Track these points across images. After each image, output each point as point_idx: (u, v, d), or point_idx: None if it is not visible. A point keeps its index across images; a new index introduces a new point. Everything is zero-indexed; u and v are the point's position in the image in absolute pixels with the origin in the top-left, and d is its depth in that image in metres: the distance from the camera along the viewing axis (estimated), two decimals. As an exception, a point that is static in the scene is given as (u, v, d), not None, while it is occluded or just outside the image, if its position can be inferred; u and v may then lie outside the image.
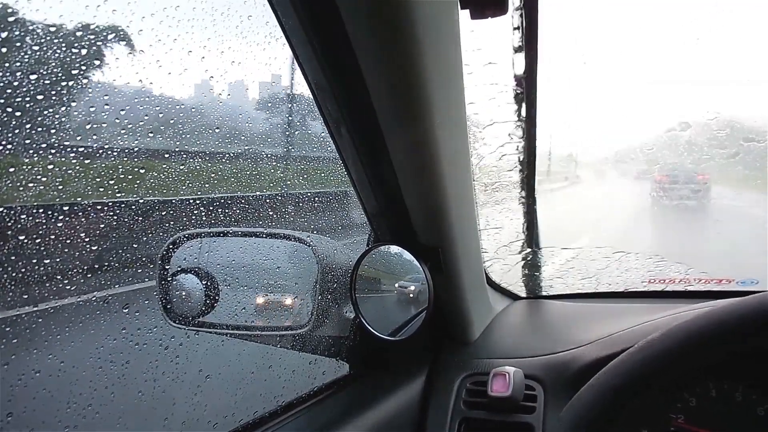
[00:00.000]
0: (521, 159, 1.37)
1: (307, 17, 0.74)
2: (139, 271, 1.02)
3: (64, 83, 0.78)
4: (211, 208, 1.11)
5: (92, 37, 0.75)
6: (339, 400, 1.10)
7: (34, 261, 0.77)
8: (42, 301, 0.80)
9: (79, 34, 0.74)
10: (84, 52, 0.78)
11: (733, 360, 0.81)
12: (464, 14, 0.77)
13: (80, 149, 0.80)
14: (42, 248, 0.78)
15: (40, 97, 0.77)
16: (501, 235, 1.50)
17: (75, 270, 0.84)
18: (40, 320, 0.79)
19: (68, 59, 0.78)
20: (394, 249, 1.09)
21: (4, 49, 0.73)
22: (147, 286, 1.02)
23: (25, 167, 0.74)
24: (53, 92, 0.77)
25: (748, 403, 0.93)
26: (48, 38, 0.74)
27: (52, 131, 0.77)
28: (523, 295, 1.54)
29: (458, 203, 1.02)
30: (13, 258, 0.76)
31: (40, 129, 0.76)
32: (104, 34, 0.78)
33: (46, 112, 0.76)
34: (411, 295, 1.10)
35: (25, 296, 0.78)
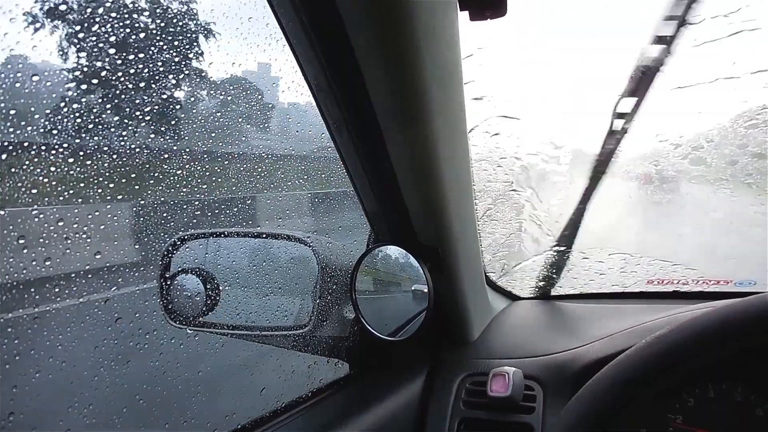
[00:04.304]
0: (521, 159, 1.37)
1: (307, 18, 0.75)
2: (141, 271, 1.02)
3: (64, 84, 0.78)
4: (211, 208, 1.12)
5: (93, 39, 0.75)
6: (339, 400, 1.11)
7: (35, 263, 0.77)
8: (43, 302, 0.81)
9: (80, 35, 0.74)
10: (83, 53, 0.78)
11: (731, 361, 0.81)
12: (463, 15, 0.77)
13: (80, 151, 0.81)
14: (43, 249, 0.78)
15: (40, 97, 0.78)
16: (500, 236, 1.51)
17: (76, 271, 0.84)
18: (42, 321, 0.79)
19: (68, 61, 0.78)
20: (394, 249, 1.10)
21: (4, 50, 0.73)
22: (148, 287, 1.03)
23: (26, 168, 0.75)
24: (54, 93, 0.78)
25: (746, 404, 0.93)
26: (48, 39, 0.75)
27: (54, 132, 0.77)
28: (523, 295, 1.54)
29: (457, 203, 1.02)
30: (14, 259, 0.76)
31: (41, 130, 0.76)
32: (104, 36, 0.79)
33: (47, 112, 0.77)
34: (411, 296, 1.10)
35: (27, 297, 0.78)
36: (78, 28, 0.74)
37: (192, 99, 1.12)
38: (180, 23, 1.00)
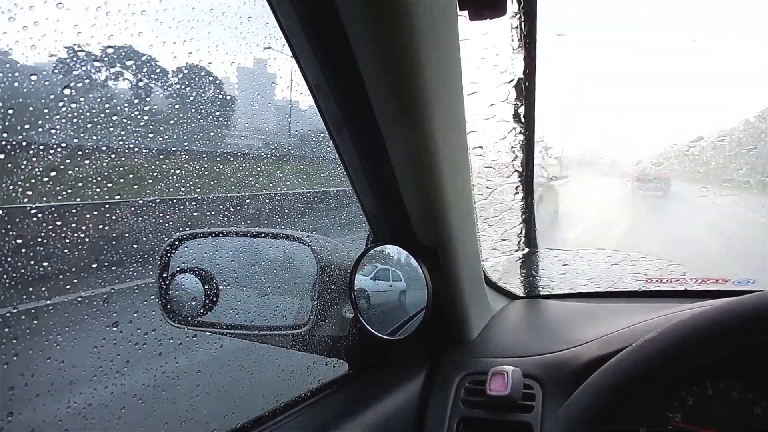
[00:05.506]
0: (519, 159, 1.37)
1: (307, 18, 0.75)
2: (140, 270, 1.02)
3: (63, 84, 0.78)
4: (210, 207, 1.12)
5: (92, 39, 0.75)
6: (338, 400, 1.11)
7: (33, 262, 0.77)
8: (41, 302, 0.80)
9: (79, 36, 0.74)
10: (83, 54, 0.78)
11: (730, 359, 0.81)
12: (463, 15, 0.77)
13: (79, 150, 0.80)
14: (41, 249, 0.78)
15: (39, 96, 0.78)
16: (499, 235, 1.51)
17: (74, 271, 0.84)
18: (40, 321, 0.79)
19: (67, 60, 0.78)
20: (393, 249, 1.10)
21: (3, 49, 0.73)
22: (146, 284, 1.03)
23: (24, 167, 0.74)
24: (52, 93, 0.77)
25: (745, 402, 0.93)
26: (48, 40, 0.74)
27: (53, 132, 0.77)
28: (522, 294, 1.54)
29: (457, 203, 1.02)
30: (12, 258, 0.76)
31: (40, 129, 0.76)
32: (104, 36, 0.78)
33: (44, 111, 0.77)
34: (410, 295, 1.10)
35: (25, 297, 0.78)
36: (78, 29, 0.74)
37: (190, 99, 1.12)
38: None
